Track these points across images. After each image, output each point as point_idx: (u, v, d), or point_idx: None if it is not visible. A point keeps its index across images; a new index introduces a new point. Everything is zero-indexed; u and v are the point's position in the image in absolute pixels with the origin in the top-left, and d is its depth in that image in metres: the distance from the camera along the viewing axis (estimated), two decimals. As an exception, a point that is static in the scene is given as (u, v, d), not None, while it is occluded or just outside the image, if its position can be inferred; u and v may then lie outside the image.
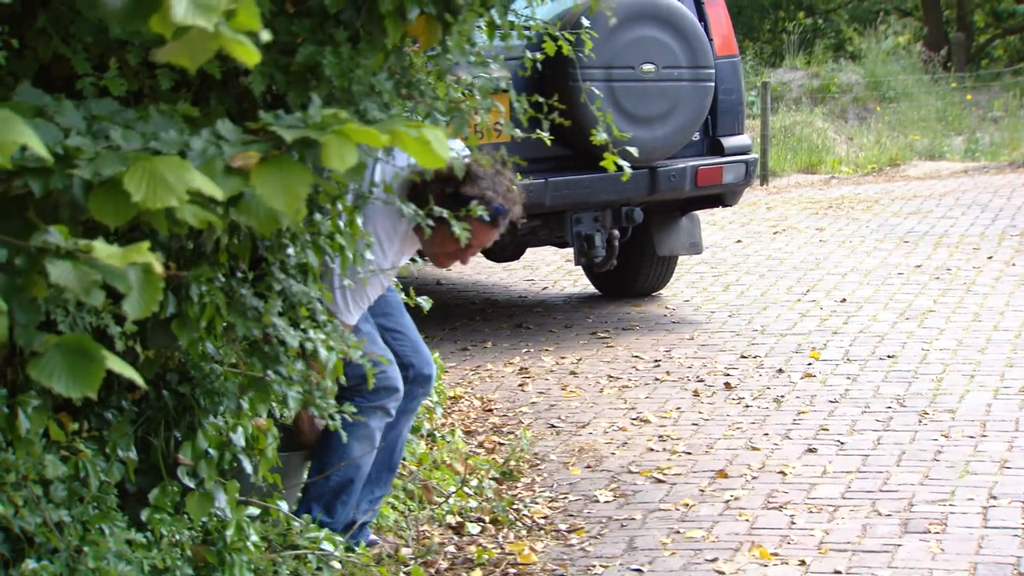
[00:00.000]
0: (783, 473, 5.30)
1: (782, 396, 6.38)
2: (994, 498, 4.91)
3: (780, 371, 6.82)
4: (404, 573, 4.31)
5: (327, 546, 3.97)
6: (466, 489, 5.09)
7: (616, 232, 7.77)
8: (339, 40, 2.74)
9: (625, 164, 4.11)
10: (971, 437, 5.63)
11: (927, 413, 5.99)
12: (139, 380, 1.89)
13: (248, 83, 2.73)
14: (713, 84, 7.61)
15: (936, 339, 7.30)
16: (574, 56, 4.59)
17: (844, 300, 8.36)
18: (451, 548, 4.61)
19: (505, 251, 8.50)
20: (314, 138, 1.95)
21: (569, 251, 9.14)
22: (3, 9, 2.52)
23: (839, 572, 4.33)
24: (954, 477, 5.15)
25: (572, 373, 7.03)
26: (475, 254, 4.31)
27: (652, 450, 5.70)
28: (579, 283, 9.33)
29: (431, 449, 5.49)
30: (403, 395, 4.35)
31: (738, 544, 4.60)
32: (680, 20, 7.45)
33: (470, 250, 4.15)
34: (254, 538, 3.60)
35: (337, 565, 3.97)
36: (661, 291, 8.76)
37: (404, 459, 4.95)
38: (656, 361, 7.16)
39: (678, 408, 6.30)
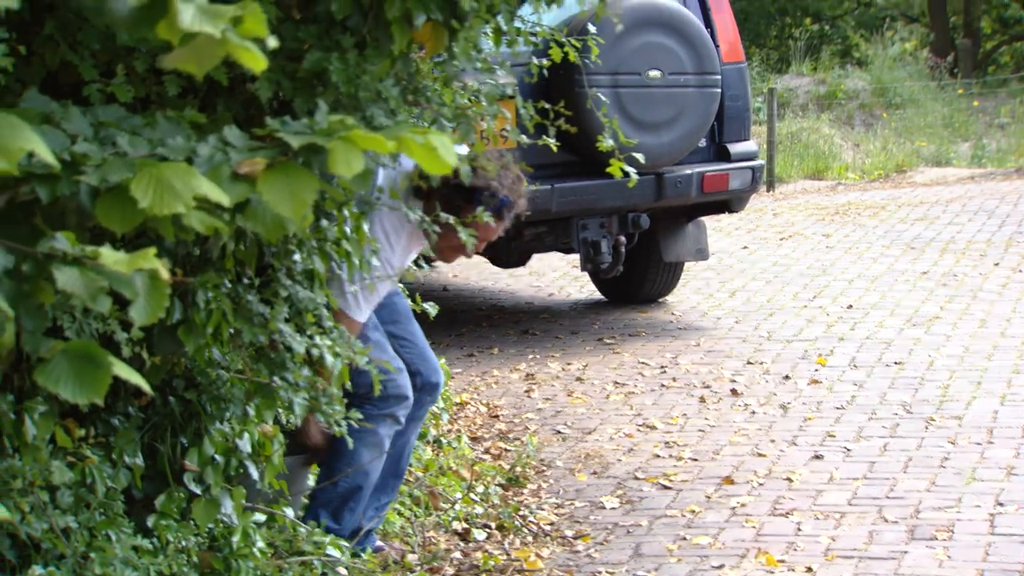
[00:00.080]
0: (789, 480, 5.29)
1: (788, 402, 6.38)
2: (1001, 505, 4.90)
3: (786, 377, 6.82)
4: (410, 579, 4.32)
5: (333, 552, 3.97)
6: (472, 495, 5.09)
7: (622, 238, 7.77)
8: (346, 46, 2.74)
9: (631, 170, 4.12)
10: (978, 444, 5.62)
11: (934, 420, 5.98)
12: (145, 386, 1.89)
13: (255, 89, 2.73)
14: (719, 90, 7.61)
15: (943, 345, 7.29)
16: (580, 62, 4.59)
17: (850, 306, 8.35)
18: (457, 554, 4.60)
19: (511, 257, 8.50)
20: (321, 144, 1.95)
21: (575, 257, 9.14)
22: (11, 16, 2.52)
23: (846, 579, 4.33)
24: (961, 484, 5.14)
25: (578, 379, 7.02)
26: (481, 248, 4.32)
27: (658, 456, 5.69)
28: (585, 289, 9.32)
29: (437, 455, 5.49)
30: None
31: (744, 551, 4.59)
32: (686, 26, 7.45)
33: (476, 244, 4.16)
34: (260, 544, 3.60)
35: (343, 571, 3.97)
36: (667, 297, 8.75)
37: (410, 465, 4.95)
38: (662, 367, 7.15)
39: (684, 414, 6.29)
